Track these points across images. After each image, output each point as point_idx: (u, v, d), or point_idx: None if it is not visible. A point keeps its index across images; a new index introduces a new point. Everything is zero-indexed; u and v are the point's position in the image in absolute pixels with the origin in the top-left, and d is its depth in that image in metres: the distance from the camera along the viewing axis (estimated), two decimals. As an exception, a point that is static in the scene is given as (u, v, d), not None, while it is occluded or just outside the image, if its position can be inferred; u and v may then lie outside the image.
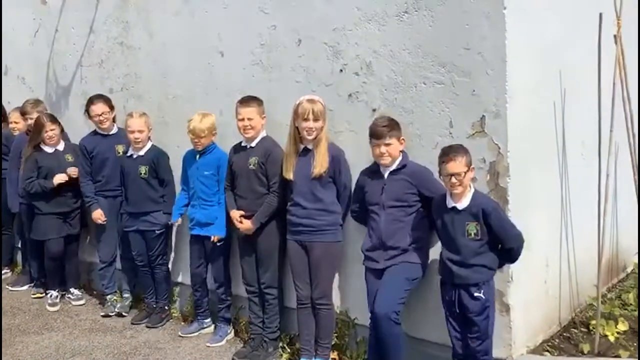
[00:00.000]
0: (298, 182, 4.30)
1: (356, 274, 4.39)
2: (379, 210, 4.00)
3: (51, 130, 5.67)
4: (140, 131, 5.24)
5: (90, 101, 5.62)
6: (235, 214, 4.64)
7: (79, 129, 6.05)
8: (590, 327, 4.41)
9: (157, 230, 5.30)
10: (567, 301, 4.54)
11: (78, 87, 6.30)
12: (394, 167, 3.98)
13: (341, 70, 4.43)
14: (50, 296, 5.85)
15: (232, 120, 4.97)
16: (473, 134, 3.87)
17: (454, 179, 3.59)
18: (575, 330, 4.41)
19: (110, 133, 5.65)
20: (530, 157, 3.98)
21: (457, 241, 3.66)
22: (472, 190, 3.69)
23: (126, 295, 5.74)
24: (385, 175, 4.01)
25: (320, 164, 4.20)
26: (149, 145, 5.36)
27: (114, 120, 5.69)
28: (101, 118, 5.56)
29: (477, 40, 3.80)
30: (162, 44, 5.51)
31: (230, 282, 5.08)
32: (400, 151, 3.98)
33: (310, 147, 4.29)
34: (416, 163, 4.01)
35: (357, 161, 4.31)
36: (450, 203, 3.70)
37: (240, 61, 4.97)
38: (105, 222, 5.59)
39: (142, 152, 5.33)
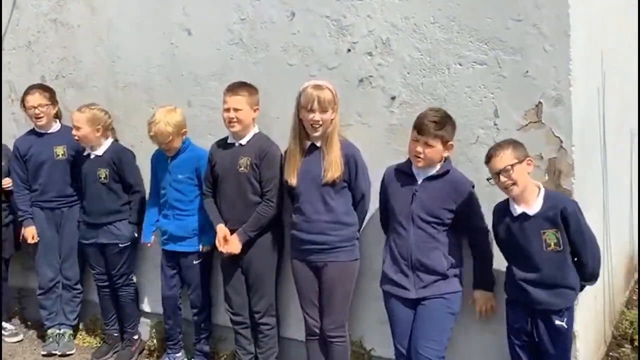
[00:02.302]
0: (304, 188, 3.46)
1: (372, 296, 3.65)
2: (406, 223, 3.21)
3: None
4: (77, 128, 4.21)
5: (27, 91, 4.56)
6: (223, 231, 3.75)
7: (2, 126, 4.94)
8: (635, 344, 3.88)
9: (122, 244, 4.30)
10: (608, 314, 3.97)
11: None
12: (433, 171, 3.21)
13: (349, 50, 3.62)
14: None
15: (205, 112, 4.14)
16: (526, 125, 3.17)
17: (502, 177, 2.91)
18: (624, 349, 3.84)
19: (49, 131, 4.59)
20: (590, 151, 3.35)
21: (533, 256, 2.94)
22: (542, 189, 2.99)
23: (64, 329, 4.64)
24: (419, 180, 3.24)
25: (332, 166, 3.38)
26: (108, 143, 4.35)
27: (57, 116, 4.63)
28: (36, 112, 4.49)
29: (531, 8, 3.10)
30: (109, 20, 4.49)
31: (211, 307, 4.19)
32: (444, 158, 3.22)
33: (318, 144, 3.47)
34: (460, 172, 3.26)
35: (371, 163, 3.52)
36: (516, 209, 2.98)
37: (213, 40, 4.06)
38: (36, 242, 4.56)
39: (99, 152, 4.31)
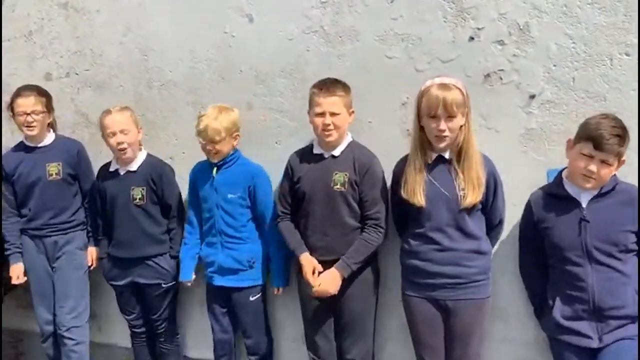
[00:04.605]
0: (435, 211, 2.76)
1: (496, 337, 3.02)
2: (580, 260, 2.56)
3: None
4: (124, 131, 3.38)
5: (18, 92, 3.65)
6: (311, 263, 3.01)
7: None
8: None
9: (165, 283, 3.47)
10: None
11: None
12: (598, 189, 2.59)
13: (472, 38, 2.96)
14: None
15: (270, 116, 3.44)
16: None
17: None
18: None
19: (40, 145, 3.69)
20: None
21: None
22: None
23: None
24: (584, 203, 2.60)
25: (473, 186, 2.70)
26: (143, 155, 3.51)
27: (52, 127, 3.76)
28: (29, 119, 3.58)
29: None
30: (139, 3, 3.67)
31: (273, 350, 3.45)
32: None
33: (447, 155, 2.78)
34: (627, 182, 2.65)
35: (503, 179, 2.86)
36: None
37: (284, 28, 3.32)
38: (23, 282, 3.69)
39: (133, 167, 3.47)
